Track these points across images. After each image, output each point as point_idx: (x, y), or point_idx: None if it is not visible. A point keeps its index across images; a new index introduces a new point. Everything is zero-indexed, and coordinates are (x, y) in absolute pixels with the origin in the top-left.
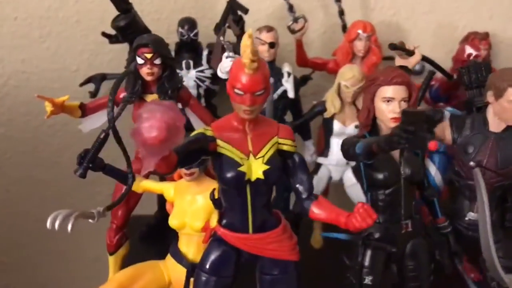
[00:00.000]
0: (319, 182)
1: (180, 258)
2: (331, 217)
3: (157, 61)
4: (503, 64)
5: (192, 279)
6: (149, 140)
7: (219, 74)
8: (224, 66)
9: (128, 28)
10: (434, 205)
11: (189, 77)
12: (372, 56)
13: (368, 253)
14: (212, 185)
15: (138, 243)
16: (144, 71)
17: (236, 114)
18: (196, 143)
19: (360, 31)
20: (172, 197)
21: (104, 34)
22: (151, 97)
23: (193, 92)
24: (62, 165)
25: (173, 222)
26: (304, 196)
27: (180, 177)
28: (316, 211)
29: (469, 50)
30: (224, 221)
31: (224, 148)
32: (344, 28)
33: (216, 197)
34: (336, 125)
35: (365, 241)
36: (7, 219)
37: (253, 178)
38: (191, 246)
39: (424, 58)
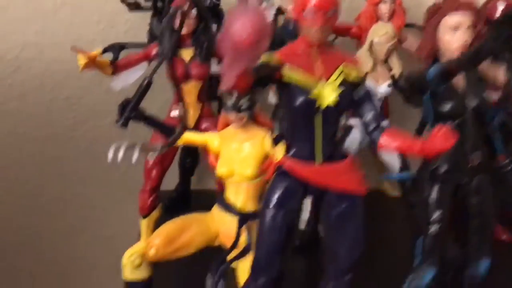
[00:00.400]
0: (351, 144)
1: (229, 207)
2: (404, 145)
3: (193, 13)
4: None
5: (243, 228)
6: (240, 43)
7: None
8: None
9: None
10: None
11: None
12: (397, 20)
13: (436, 187)
14: (258, 133)
15: (162, 217)
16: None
17: (303, 39)
18: (266, 68)
19: None
20: (217, 147)
21: (123, 1)
22: (186, 52)
23: None
24: (77, 139)
25: (221, 170)
26: (371, 127)
27: (224, 126)
28: (387, 140)
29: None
30: (291, 153)
31: (292, 73)
32: None
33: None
34: (369, 85)
35: (433, 174)
36: (21, 196)
37: (324, 105)
38: (239, 195)
39: None
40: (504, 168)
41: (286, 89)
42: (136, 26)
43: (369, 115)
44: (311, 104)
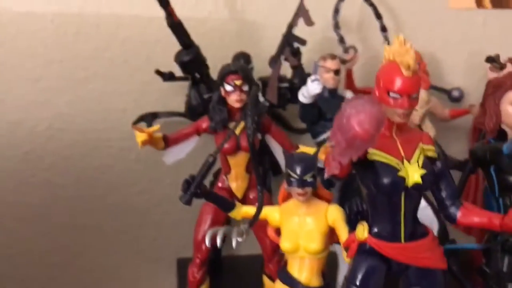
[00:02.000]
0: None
1: (294, 283)
2: (483, 221)
3: (245, 88)
4: None
5: None
6: (360, 134)
7: (301, 98)
8: (311, 90)
9: (192, 63)
10: None
11: None
12: (422, 83)
13: (506, 259)
14: (321, 207)
15: None
16: (233, 98)
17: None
18: None
19: None
20: (278, 221)
21: (157, 72)
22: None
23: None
24: (106, 209)
25: (285, 245)
26: (449, 202)
27: (284, 200)
28: (466, 216)
29: None
30: (374, 231)
31: (377, 154)
32: None
33: None
34: None
35: (504, 246)
36: (52, 267)
37: (410, 184)
38: (303, 270)
39: None
40: None
41: (370, 169)
42: (166, 95)
43: (446, 191)
44: (398, 184)
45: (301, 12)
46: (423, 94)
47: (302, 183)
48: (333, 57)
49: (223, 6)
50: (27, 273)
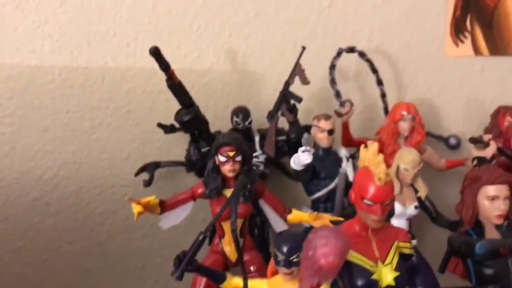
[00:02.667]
0: None
1: None
2: None
3: (238, 159)
4: None
5: None
6: (325, 266)
7: (293, 165)
8: (302, 160)
9: (192, 122)
10: None
11: None
12: (417, 136)
13: None
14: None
15: None
16: (227, 168)
17: (358, 220)
18: None
19: (404, 113)
20: None
21: (159, 125)
22: (229, 192)
23: None
24: (110, 253)
25: None
26: None
27: (272, 274)
28: None
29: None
30: None
31: (352, 256)
32: (386, 109)
33: None
34: (397, 207)
35: None
36: None
37: (383, 285)
38: None
39: (499, 149)
40: None
41: (346, 269)
42: (169, 144)
43: (424, 284)
44: (371, 286)
45: (298, 71)
46: (415, 155)
47: (288, 264)
48: (327, 117)
49: (224, 58)
50: None
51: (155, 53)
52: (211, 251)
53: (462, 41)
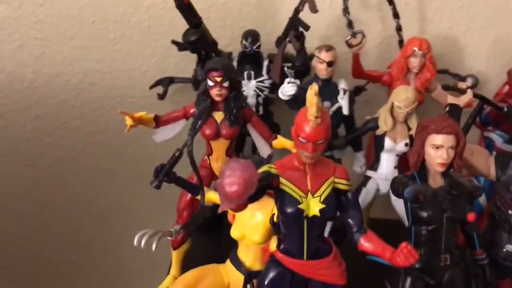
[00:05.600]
0: (367, 194)
1: (238, 265)
2: (377, 250)
3: (226, 84)
4: None
5: (248, 285)
6: (229, 194)
7: (280, 95)
8: (286, 91)
9: (198, 42)
10: (473, 238)
11: (249, 86)
12: (426, 72)
13: (408, 281)
14: (270, 203)
15: (196, 235)
16: (214, 93)
17: (298, 155)
18: (263, 181)
19: (416, 48)
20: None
21: (173, 42)
22: (218, 114)
23: (252, 100)
24: (128, 156)
25: (234, 233)
26: (354, 229)
27: None
28: (365, 243)
29: None
30: (282, 247)
31: (286, 185)
32: (401, 43)
33: (275, 221)
34: (387, 142)
35: (406, 269)
36: (75, 202)
37: (310, 215)
38: (249, 255)
39: (475, 95)
40: (481, 261)
41: (281, 196)
42: (186, 59)
43: (353, 220)
44: (299, 213)
45: None
46: (409, 94)
47: None
48: (328, 48)
49: None
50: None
51: None
52: (200, 165)
53: None
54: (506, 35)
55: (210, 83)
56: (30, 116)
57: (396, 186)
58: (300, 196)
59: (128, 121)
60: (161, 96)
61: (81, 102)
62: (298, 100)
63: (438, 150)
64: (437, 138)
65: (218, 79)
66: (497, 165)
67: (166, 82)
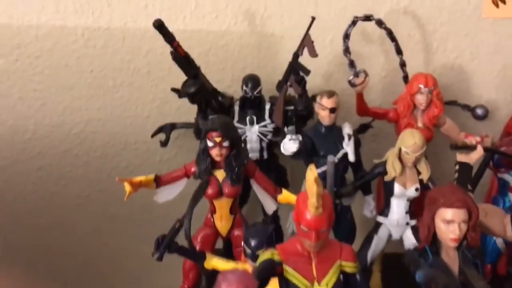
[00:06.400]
0: (379, 242)
1: None
2: None
3: (226, 144)
4: None
5: None
6: None
7: (282, 151)
8: (287, 148)
9: (197, 94)
10: None
11: (253, 131)
12: (434, 109)
13: None
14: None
15: None
16: (214, 153)
17: (300, 241)
18: (266, 273)
19: (421, 86)
20: None
21: (173, 89)
22: (219, 172)
23: (256, 145)
24: (134, 202)
25: None
26: None
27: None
28: None
29: None
30: None
31: (290, 274)
32: (406, 78)
33: None
34: (397, 188)
35: None
36: (88, 250)
37: None
38: None
39: (486, 150)
40: None
41: (285, 284)
42: (187, 104)
43: None
44: None
45: (306, 42)
46: (417, 139)
47: (255, 258)
48: (330, 95)
49: (242, 19)
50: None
51: (159, 26)
52: (204, 224)
53: (504, 1)
54: None
55: (210, 143)
56: (33, 167)
57: (407, 263)
58: (305, 286)
59: (127, 187)
60: (164, 143)
61: (84, 151)
62: (301, 154)
63: (449, 225)
64: (448, 213)
65: (218, 139)
66: None
67: (168, 128)
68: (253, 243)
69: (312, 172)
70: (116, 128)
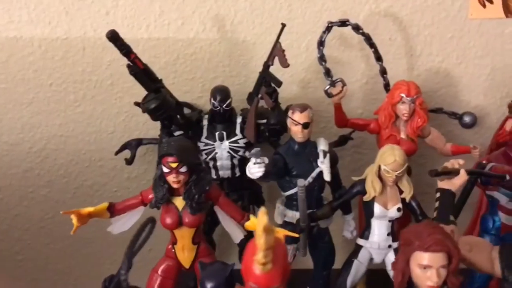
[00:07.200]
0: (359, 266)
1: None
2: None
3: (183, 169)
4: None
5: None
6: None
7: (248, 174)
8: (252, 172)
9: (159, 110)
10: None
11: (222, 148)
12: (417, 119)
13: None
14: None
15: None
16: (170, 179)
17: None
18: None
19: (403, 95)
20: None
21: (136, 104)
22: (178, 200)
23: (227, 163)
24: (101, 223)
25: None
26: None
27: None
28: None
29: None
30: None
31: None
32: (387, 86)
33: None
34: (377, 208)
35: None
36: (49, 275)
37: None
38: None
39: (471, 173)
40: None
41: None
42: None
43: None
44: None
45: (277, 52)
46: (397, 157)
47: None
48: (302, 109)
49: (211, 26)
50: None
51: (113, 37)
52: (166, 255)
53: (491, 1)
54: (503, 64)
55: (165, 169)
56: None
57: None
58: None
59: (74, 221)
60: (129, 161)
61: (46, 170)
62: (270, 176)
63: (426, 270)
64: (424, 257)
65: (174, 165)
66: (502, 261)
67: (133, 145)
68: (208, 285)
69: (262, 219)
70: (80, 145)
